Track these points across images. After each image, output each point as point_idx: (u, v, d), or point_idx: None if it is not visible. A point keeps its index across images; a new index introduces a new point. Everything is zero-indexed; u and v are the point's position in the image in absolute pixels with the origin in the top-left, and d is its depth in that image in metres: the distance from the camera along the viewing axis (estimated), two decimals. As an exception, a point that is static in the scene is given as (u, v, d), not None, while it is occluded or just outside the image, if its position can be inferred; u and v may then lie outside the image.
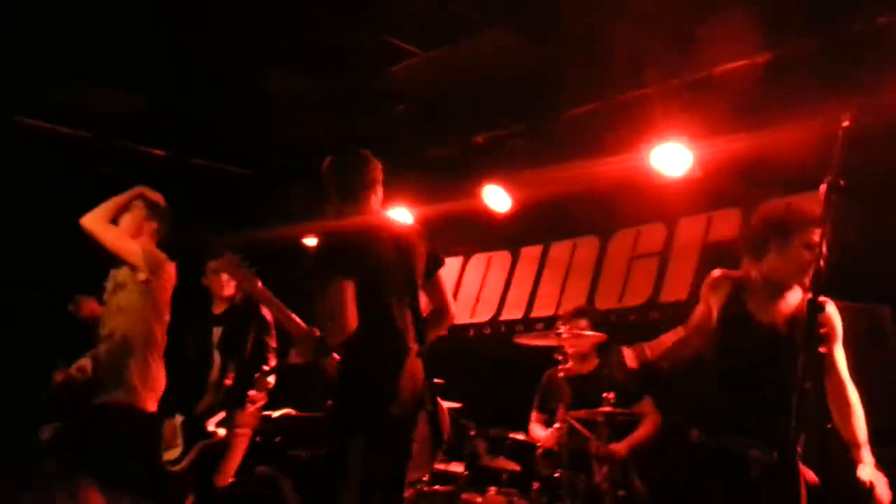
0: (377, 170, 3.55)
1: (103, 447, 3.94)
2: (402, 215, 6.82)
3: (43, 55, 5.42)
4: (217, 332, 5.29)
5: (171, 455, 4.94)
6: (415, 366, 3.30)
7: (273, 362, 5.18)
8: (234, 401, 5.04)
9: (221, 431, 4.91)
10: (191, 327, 5.26)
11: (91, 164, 6.55)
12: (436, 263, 3.59)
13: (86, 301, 5.99)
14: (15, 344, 6.28)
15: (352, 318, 3.16)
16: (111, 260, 4.24)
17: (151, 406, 4.12)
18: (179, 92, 6.00)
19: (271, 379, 5.16)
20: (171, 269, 4.34)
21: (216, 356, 5.21)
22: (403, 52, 5.59)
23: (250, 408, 5.18)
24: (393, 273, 3.38)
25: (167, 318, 4.29)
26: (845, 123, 2.56)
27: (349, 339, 3.17)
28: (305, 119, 6.37)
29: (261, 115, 6.34)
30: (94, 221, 4.19)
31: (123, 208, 4.31)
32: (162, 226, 4.40)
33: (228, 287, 5.28)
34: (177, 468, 4.88)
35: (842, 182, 2.42)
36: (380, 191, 3.54)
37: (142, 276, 4.13)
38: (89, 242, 4.21)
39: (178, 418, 4.98)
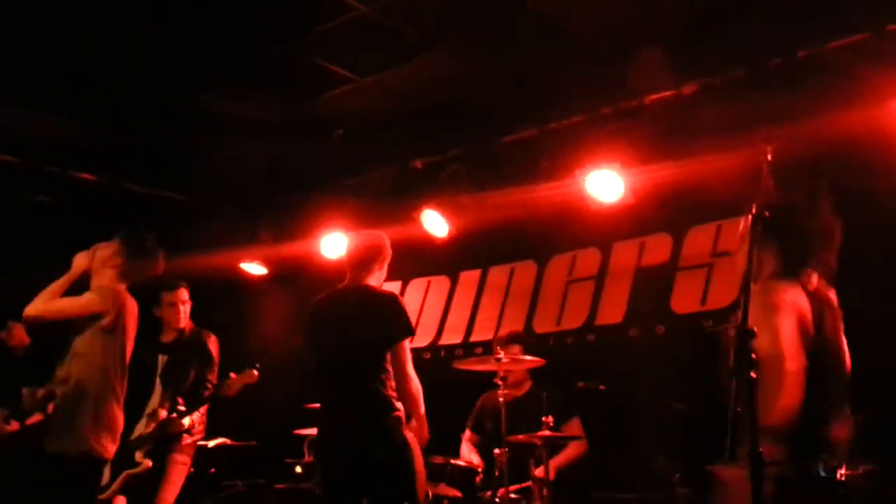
0: (369, 250, 4.30)
1: (55, 497, 3.87)
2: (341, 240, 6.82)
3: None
4: (162, 360, 5.26)
5: None
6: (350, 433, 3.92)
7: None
8: (166, 432, 4.95)
9: (148, 462, 4.82)
10: (137, 352, 5.20)
11: (20, 190, 6.39)
12: (389, 337, 4.01)
13: (17, 327, 5.84)
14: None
15: None
16: (78, 330, 4.04)
17: (107, 451, 3.98)
18: (111, 115, 5.89)
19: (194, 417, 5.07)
20: (131, 305, 4.15)
21: (157, 384, 5.18)
22: (341, 78, 5.62)
23: (187, 439, 5.10)
24: (332, 349, 4.09)
25: (127, 359, 4.12)
26: (769, 156, 2.68)
27: None
28: (242, 144, 6.33)
29: (196, 140, 6.27)
30: (34, 308, 4.04)
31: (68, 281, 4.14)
32: (130, 260, 4.18)
33: (183, 319, 5.32)
34: (102, 496, 4.70)
35: (766, 213, 2.53)
36: (373, 268, 4.25)
37: (106, 320, 3.97)
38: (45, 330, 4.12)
39: None
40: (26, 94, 5.54)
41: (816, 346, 2.81)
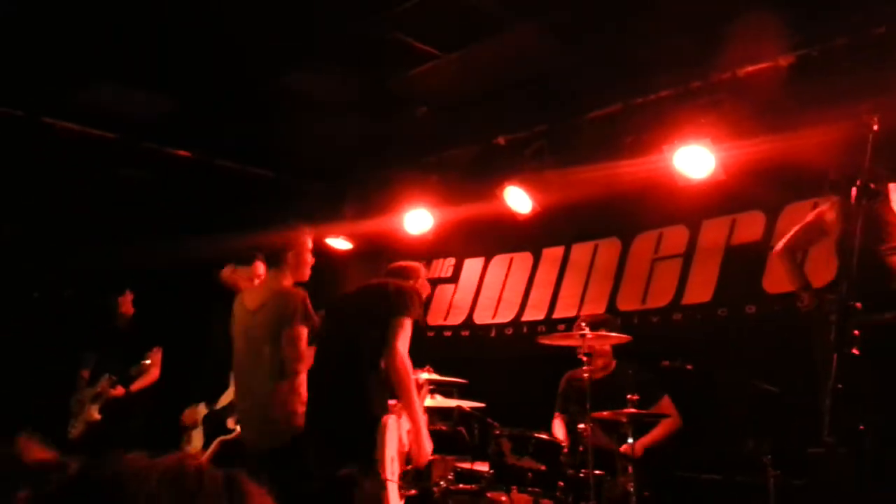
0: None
1: None
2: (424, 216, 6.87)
3: (69, 57, 5.49)
4: None
5: (191, 449, 4.96)
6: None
7: None
8: None
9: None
10: (221, 321, 5.30)
11: (117, 165, 6.65)
12: (386, 315, 4.09)
13: (130, 296, 6.10)
14: (40, 340, 6.38)
15: None
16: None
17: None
18: (204, 94, 6.06)
19: None
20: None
21: None
22: (425, 54, 5.62)
23: None
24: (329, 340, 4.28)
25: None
26: (875, 127, 2.57)
27: None
28: (327, 121, 6.43)
29: (284, 118, 6.40)
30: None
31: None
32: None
33: None
34: None
35: (872, 185, 2.44)
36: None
37: None
38: None
39: (202, 409, 5.05)
40: (124, 73, 5.73)
41: None
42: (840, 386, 2.15)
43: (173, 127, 6.50)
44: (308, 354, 4.28)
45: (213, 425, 5.03)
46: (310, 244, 4.51)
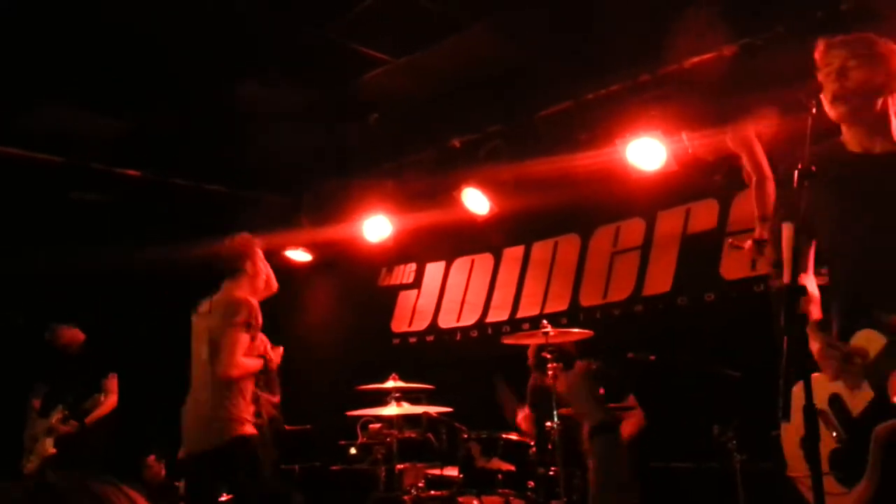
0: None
1: None
2: (382, 223, 6.85)
3: (11, 81, 5.38)
4: None
5: None
6: None
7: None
8: None
9: None
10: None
11: (66, 189, 6.53)
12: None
13: (64, 329, 5.96)
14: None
15: None
16: None
17: None
18: (153, 111, 5.97)
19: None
20: None
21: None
22: (376, 60, 5.61)
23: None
24: None
25: None
26: (813, 110, 2.60)
27: None
28: (280, 131, 6.38)
29: (235, 130, 6.33)
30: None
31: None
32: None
33: None
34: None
35: (813, 168, 2.45)
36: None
37: None
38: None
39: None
40: (70, 94, 5.63)
41: None
42: (792, 367, 2.18)
43: (123, 147, 6.40)
44: (248, 363, 4.22)
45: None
46: (261, 254, 4.47)
